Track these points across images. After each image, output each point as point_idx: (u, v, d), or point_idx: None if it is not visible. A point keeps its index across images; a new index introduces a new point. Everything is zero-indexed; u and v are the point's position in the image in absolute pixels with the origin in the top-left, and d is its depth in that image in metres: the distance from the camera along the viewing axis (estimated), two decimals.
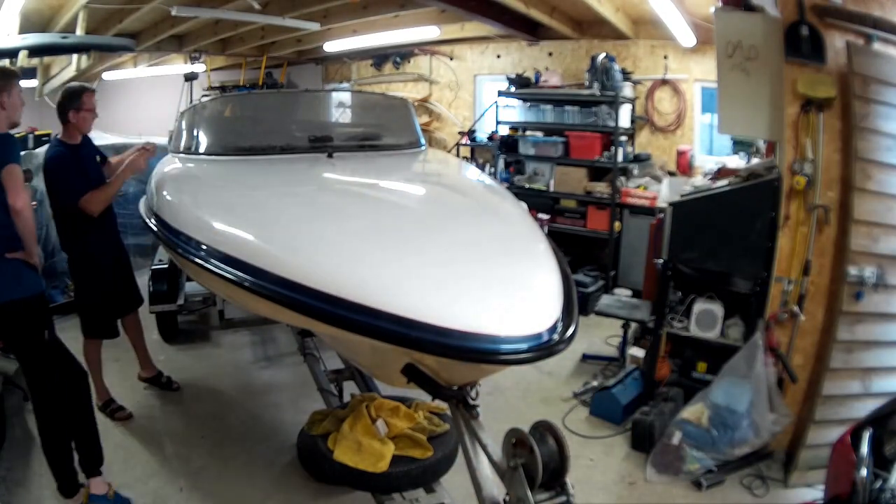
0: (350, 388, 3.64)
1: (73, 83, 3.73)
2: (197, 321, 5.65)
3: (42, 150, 6.18)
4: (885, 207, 3.26)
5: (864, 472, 2.05)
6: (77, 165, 3.57)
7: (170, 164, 3.75)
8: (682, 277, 3.89)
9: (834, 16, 3.25)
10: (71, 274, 4.03)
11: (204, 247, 2.42)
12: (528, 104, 6.84)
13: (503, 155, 7.07)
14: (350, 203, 2.83)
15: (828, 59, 3.26)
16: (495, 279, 1.98)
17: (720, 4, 3.78)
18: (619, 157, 6.20)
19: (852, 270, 3.20)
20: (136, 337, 4.31)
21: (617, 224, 6.21)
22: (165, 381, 4.37)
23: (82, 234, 3.68)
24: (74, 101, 3.53)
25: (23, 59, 5.70)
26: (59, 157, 3.55)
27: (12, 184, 2.70)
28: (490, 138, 7.54)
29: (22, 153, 3.05)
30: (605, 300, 4.95)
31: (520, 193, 6.11)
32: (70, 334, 3.79)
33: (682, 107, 6.56)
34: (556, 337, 1.87)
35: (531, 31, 7.24)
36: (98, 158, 3.84)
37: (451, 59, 8.72)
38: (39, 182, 5.76)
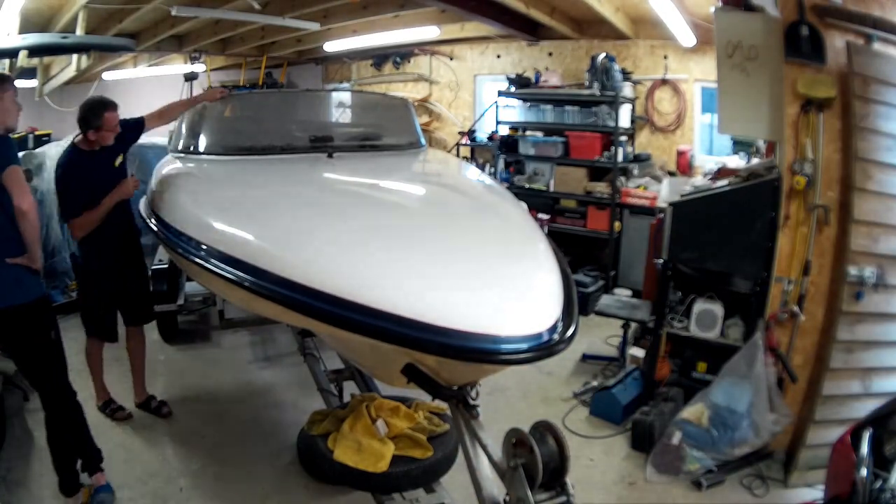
0: (350, 388, 3.64)
1: (97, 96, 3.54)
2: (197, 321, 5.65)
3: (43, 149, 6.23)
4: (885, 207, 3.26)
5: (864, 472, 2.05)
6: (85, 175, 3.44)
7: (170, 164, 3.74)
8: (682, 277, 3.88)
9: (834, 16, 3.25)
10: (74, 273, 3.93)
11: (204, 247, 2.42)
12: (528, 104, 6.83)
13: (503, 155, 7.07)
14: (350, 203, 2.83)
15: (828, 59, 3.26)
16: (495, 279, 1.98)
17: (720, 4, 3.77)
18: (619, 157, 6.19)
19: (852, 270, 3.20)
20: (134, 356, 4.06)
21: (617, 224, 6.21)
22: (156, 405, 4.03)
23: (86, 239, 3.56)
24: (96, 121, 3.36)
25: (23, 59, 5.70)
26: (68, 165, 3.45)
27: (17, 185, 2.66)
28: (490, 138, 7.54)
29: (21, 153, 3.03)
30: (605, 300, 4.95)
31: (520, 193, 6.11)
32: (70, 334, 3.79)
33: (682, 107, 6.56)
34: (556, 337, 1.87)
35: (531, 31, 7.24)
36: (120, 158, 3.61)
37: (451, 59, 8.72)
38: (40, 182, 5.80)
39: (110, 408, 3.93)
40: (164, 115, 3.91)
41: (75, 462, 2.99)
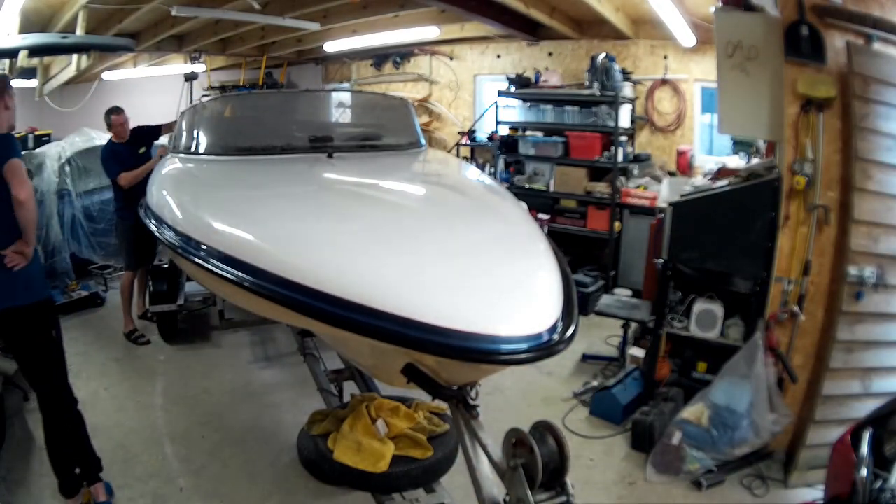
0: (350, 388, 3.64)
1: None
2: (197, 321, 5.65)
3: (43, 149, 6.27)
4: (885, 207, 3.26)
5: (864, 472, 2.05)
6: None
7: (170, 165, 3.74)
8: (682, 277, 3.88)
9: (834, 16, 3.25)
10: (120, 228, 5.22)
11: (204, 247, 2.42)
12: (528, 104, 6.84)
13: (503, 155, 7.07)
14: (350, 203, 2.83)
15: (828, 59, 3.26)
16: (495, 279, 1.98)
17: (720, 4, 3.77)
18: (619, 157, 6.20)
19: (852, 270, 3.20)
20: (139, 288, 5.34)
21: (617, 224, 6.21)
22: (138, 336, 5.16)
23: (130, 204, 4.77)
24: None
25: (23, 59, 5.70)
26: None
27: (16, 176, 2.75)
28: (490, 138, 7.54)
29: (22, 153, 3.06)
30: (605, 300, 4.95)
31: (520, 193, 6.12)
32: (70, 335, 3.82)
33: (682, 107, 6.56)
34: (556, 337, 1.87)
35: (531, 31, 7.24)
36: (143, 149, 5.12)
37: (451, 59, 8.72)
38: (40, 182, 5.82)
39: (134, 335, 4.99)
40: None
41: (74, 467, 2.99)
